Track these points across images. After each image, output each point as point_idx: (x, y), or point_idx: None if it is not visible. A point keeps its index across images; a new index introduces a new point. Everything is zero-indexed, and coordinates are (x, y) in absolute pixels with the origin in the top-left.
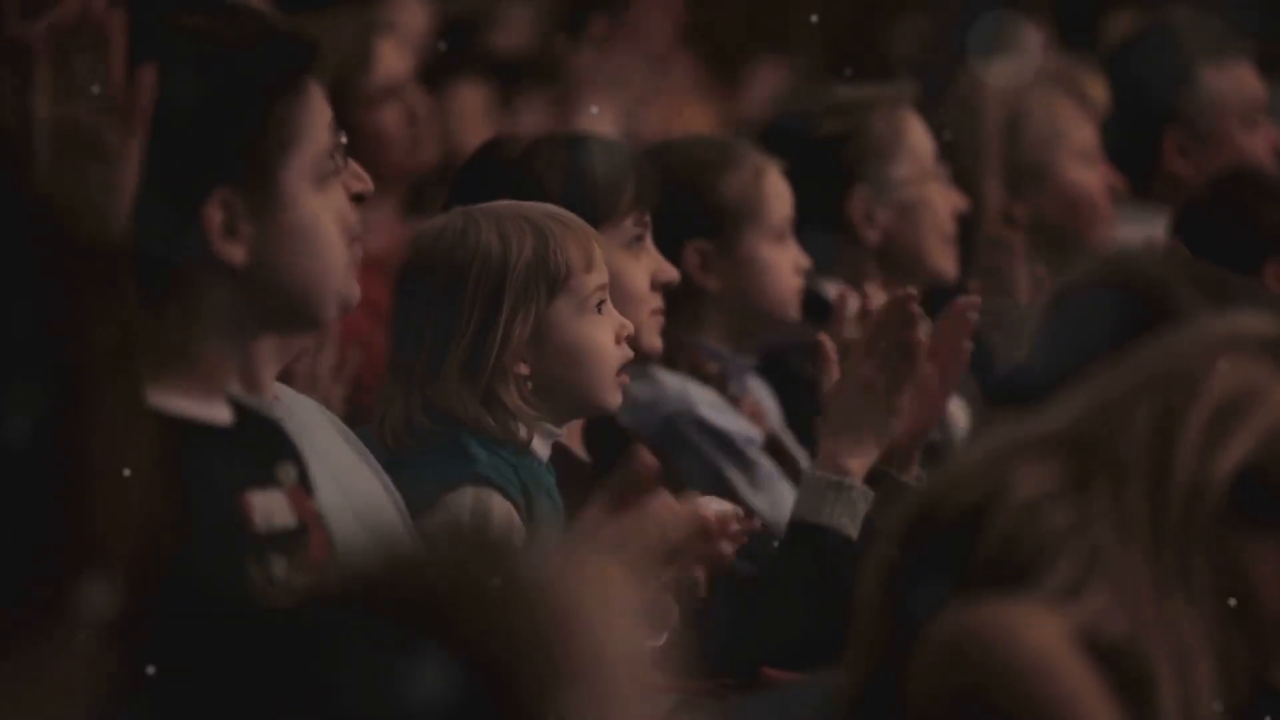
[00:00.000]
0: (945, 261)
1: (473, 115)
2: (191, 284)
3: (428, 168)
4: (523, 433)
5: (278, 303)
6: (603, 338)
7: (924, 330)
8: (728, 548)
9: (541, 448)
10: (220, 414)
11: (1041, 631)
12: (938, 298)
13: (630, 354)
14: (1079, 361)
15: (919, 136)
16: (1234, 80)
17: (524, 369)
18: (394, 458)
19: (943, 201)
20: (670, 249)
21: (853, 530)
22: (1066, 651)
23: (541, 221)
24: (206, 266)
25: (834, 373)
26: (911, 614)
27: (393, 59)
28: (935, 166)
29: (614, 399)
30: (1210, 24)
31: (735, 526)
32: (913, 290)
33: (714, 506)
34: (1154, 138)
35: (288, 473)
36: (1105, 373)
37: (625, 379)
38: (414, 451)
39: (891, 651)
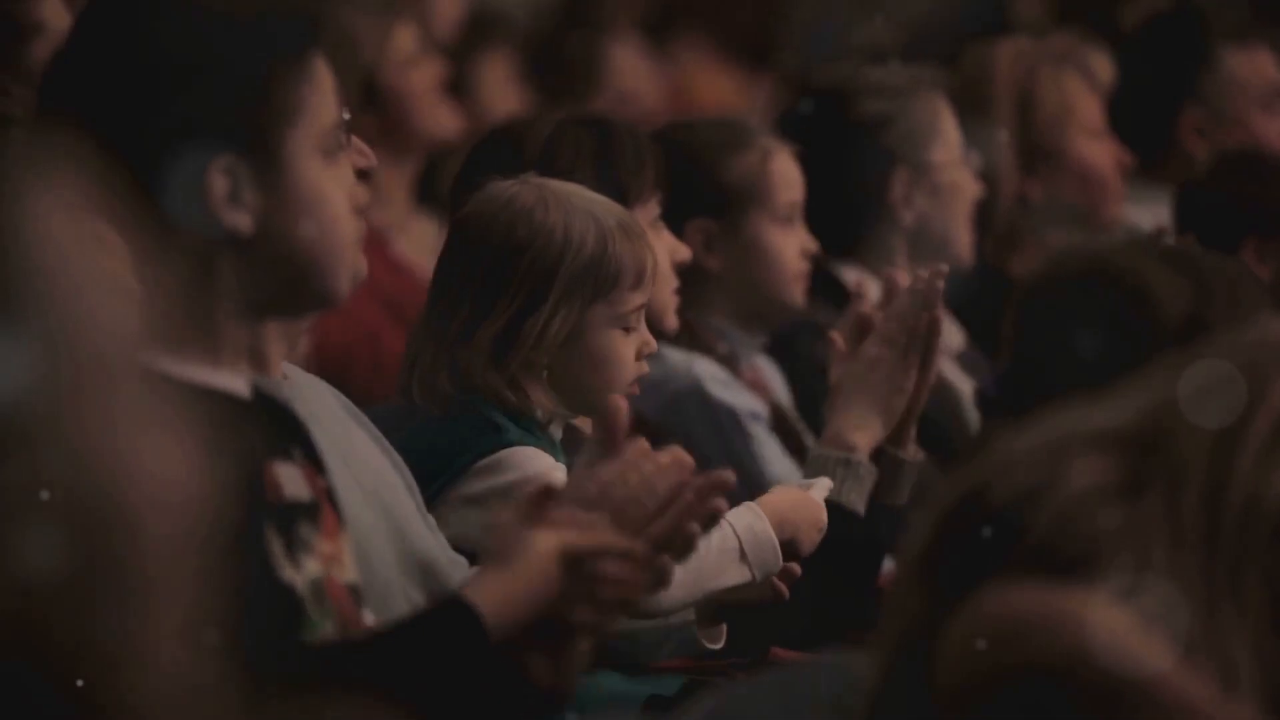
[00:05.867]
0: (966, 247)
1: (497, 88)
2: (202, 253)
3: (451, 136)
4: (539, 413)
5: (287, 274)
6: (627, 352)
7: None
8: (721, 501)
9: (556, 430)
10: (239, 385)
11: (1110, 618)
12: (953, 284)
13: (645, 369)
14: (1064, 360)
15: (951, 121)
16: (1254, 63)
17: (546, 362)
18: (418, 422)
19: (969, 188)
20: (675, 228)
21: (860, 506)
22: (1140, 637)
23: (606, 221)
24: (214, 234)
25: (840, 358)
26: (949, 599)
27: (414, 28)
28: (964, 152)
29: None
30: (1234, 5)
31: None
32: (944, 268)
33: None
34: (1171, 117)
35: (298, 452)
36: (1167, 372)
37: (635, 390)
38: (438, 419)
39: (923, 636)
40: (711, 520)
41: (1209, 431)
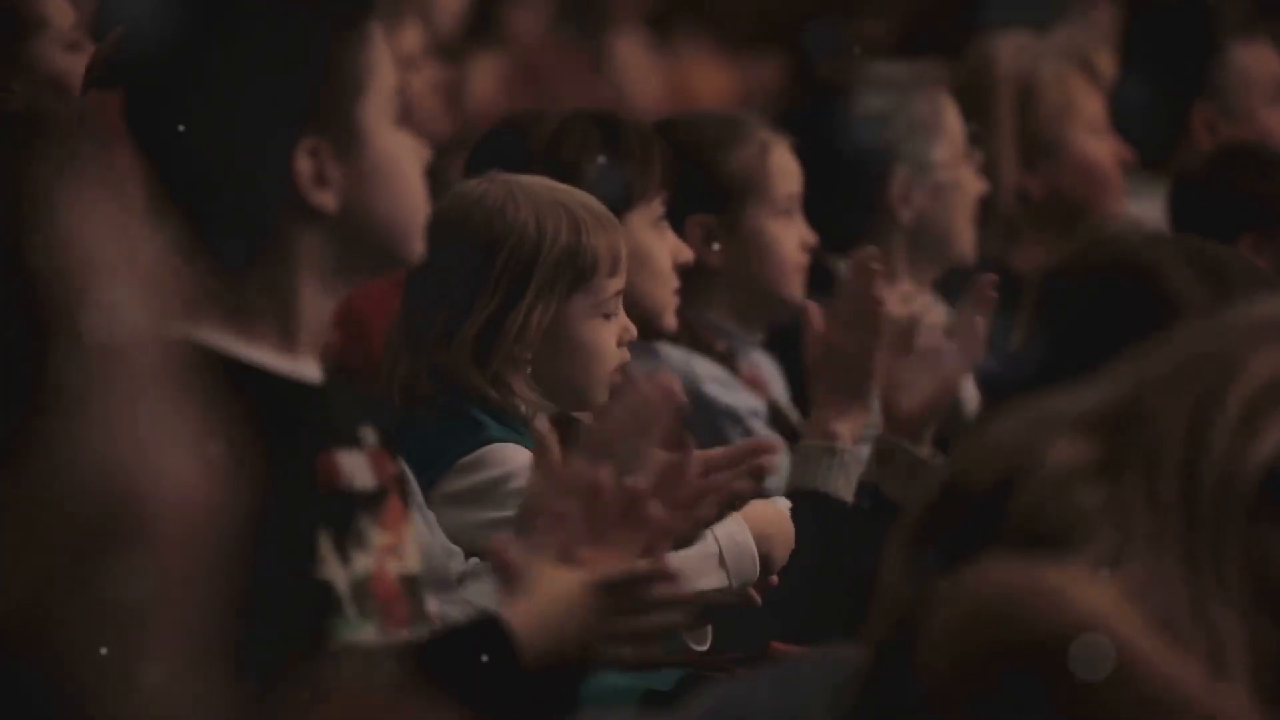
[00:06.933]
0: (969, 244)
1: (493, 86)
2: (287, 237)
3: (444, 137)
4: (524, 409)
5: (369, 245)
6: (608, 340)
7: (902, 297)
8: (771, 459)
9: (541, 425)
10: (310, 371)
11: (1091, 593)
12: (955, 279)
13: (627, 356)
14: (1074, 350)
15: (954, 117)
16: (1261, 57)
17: (529, 356)
18: (401, 422)
19: (972, 185)
20: (674, 224)
21: (847, 494)
22: (1123, 611)
23: (578, 212)
24: (300, 217)
25: (813, 340)
26: (933, 584)
27: (410, 30)
28: (967, 149)
29: (602, 398)
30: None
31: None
32: (874, 249)
33: None
34: (1180, 111)
35: (369, 434)
36: (1143, 353)
37: (619, 378)
38: (422, 419)
39: (910, 622)
40: (758, 478)
41: (1184, 412)
